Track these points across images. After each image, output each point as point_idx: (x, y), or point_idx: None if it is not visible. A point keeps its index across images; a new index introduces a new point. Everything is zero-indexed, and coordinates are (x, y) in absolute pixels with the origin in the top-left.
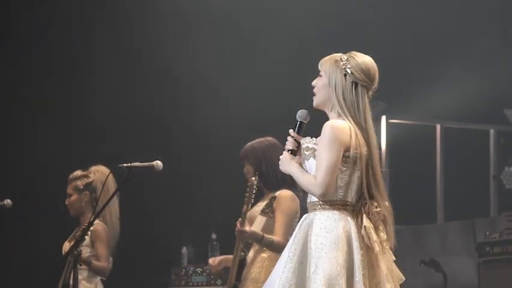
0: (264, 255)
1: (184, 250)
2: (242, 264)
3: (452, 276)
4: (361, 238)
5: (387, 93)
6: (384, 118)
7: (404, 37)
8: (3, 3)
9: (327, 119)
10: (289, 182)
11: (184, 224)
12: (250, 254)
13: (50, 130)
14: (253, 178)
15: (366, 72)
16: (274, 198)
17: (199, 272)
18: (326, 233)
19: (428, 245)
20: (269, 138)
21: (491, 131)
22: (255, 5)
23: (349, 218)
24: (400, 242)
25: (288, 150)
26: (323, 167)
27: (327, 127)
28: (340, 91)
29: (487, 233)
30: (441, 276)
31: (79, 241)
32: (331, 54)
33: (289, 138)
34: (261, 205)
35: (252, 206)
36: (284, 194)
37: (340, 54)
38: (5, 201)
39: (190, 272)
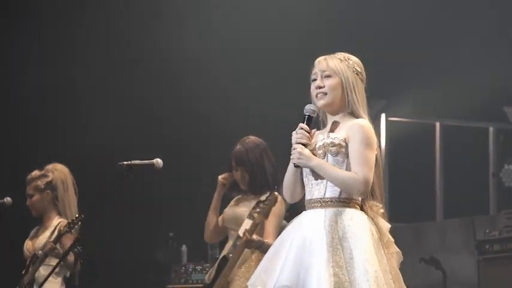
0: (253, 256)
1: (184, 248)
2: (224, 263)
3: (451, 273)
4: (379, 237)
5: (386, 91)
6: (383, 116)
7: (403, 35)
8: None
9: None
10: (271, 185)
11: (184, 222)
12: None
13: (49, 129)
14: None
15: (363, 70)
16: (260, 202)
17: (199, 269)
18: (357, 229)
19: (428, 242)
20: (256, 139)
21: (491, 129)
22: (256, 4)
23: (367, 217)
24: (400, 240)
25: (299, 144)
26: (367, 164)
27: (362, 126)
28: (357, 91)
29: (487, 231)
30: (441, 274)
31: (79, 238)
32: (328, 52)
33: (302, 132)
34: (247, 206)
35: (236, 202)
36: (278, 198)
37: (337, 55)
38: (5, 199)
39: (190, 269)
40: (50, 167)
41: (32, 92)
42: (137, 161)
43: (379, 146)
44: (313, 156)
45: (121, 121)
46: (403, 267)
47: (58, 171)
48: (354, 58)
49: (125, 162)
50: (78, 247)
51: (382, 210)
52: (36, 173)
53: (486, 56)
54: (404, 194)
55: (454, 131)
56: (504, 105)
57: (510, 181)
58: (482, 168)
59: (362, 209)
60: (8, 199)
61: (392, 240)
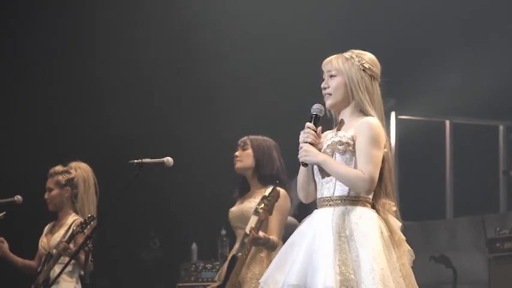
0: (262, 255)
1: (194, 246)
2: (234, 262)
3: (462, 272)
4: (390, 235)
5: (397, 89)
6: (393, 114)
7: (413, 33)
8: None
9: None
10: (281, 179)
11: (194, 220)
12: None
13: (59, 128)
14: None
15: (377, 65)
16: (265, 197)
17: (208, 267)
18: (364, 228)
19: (438, 240)
20: (270, 139)
21: (501, 127)
22: (260, 8)
23: (377, 215)
24: (409, 238)
25: (307, 143)
26: (372, 162)
27: (369, 124)
28: (363, 87)
29: (497, 229)
30: (451, 272)
31: (90, 237)
32: (338, 50)
33: (309, 130)
34: (252, 202)
35: (241, 200)
36: (280, 192)
37: (346, 53)
38: (15, 197)
39: (200, 267)
40: (73, 164)
41: (41, 90)
42: (148, 159)
43: (389, 142)
44: (319, 153)
45: (131, 120)
46: (413, 265)
47: (81, 169)
48: (363, 55)
49: (135, 161)
50: (89, 245)
51: (394, 208)
52: (59, 168)
53: (496, 54)
54: (415, 192)
55: (464, 129)
56: None
57: None
58: (492, 166)
59: (374, 206)
60: (18, 197)
61: (404, 238)
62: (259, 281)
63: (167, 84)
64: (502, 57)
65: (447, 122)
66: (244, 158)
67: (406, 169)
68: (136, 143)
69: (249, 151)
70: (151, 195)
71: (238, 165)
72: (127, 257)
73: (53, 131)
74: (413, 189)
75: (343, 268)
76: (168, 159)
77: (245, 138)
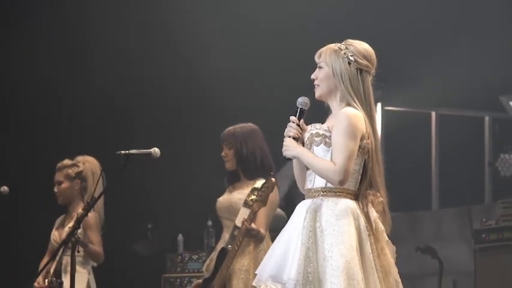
0: (250, 247)
1: (180, 237)
2: (223, 255)
3: (448, 262)
4: (369, 227)
5: (383, 80)
6: (379, 105)
7: (399, 24)
8: None
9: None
10: (267, 170)
11: (180, 211)
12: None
13: (48, 118)
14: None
15: (367, 57)
16: (256, 189)
17: (195, 258)
18: (336, 219)
19: (424, 231)
20: (249, 124)
21: (487, 118)
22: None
23: (356, 206)
24: (395, 229)
25: (290, 137)
26: (343, 153)
27: (345, 115)
28: (347, 79)
29: (483, 220)
30: (437, 263)
31: (76, 227)
32: (325, 43)
33: (291, 124)
34: (241, 193)
35: (230, 190)
36: (274, 184)
37: (337, 44)
38: (1, 188)
39: (186, 258)
40: (80, 158)
41: (30, 80)
42: (135, 150)
43: (376, 133)
44: (297, 146)
45: (118, 110)
46: (399, 256)
47: (89, 162)
48: (353, 46)
49: (122, 152)
50: (76, 236)
51: (380, 199)
52: (67, 161)
53: (482, 45)
54: (400, 183)
55: (450, 120)
56: (500, 94)
57: (506, 170)
58: (478, 157)
59: (359, 197)
60: (4, 188)
61: (383, 229)
62: (256, 272)
63: (159, 77)
64: (488, 49)
65: (433, 113)
66: (231, 158)
67: (391, 160)
68: (126, 134)
69: (232, 150)
70: (137, 186)
71: (228, 165)
72: (114, 248)
73: (48, 124)
74: (399, 180)
75: (308, 261)
76: (155, 150)
77: (226, 134)
